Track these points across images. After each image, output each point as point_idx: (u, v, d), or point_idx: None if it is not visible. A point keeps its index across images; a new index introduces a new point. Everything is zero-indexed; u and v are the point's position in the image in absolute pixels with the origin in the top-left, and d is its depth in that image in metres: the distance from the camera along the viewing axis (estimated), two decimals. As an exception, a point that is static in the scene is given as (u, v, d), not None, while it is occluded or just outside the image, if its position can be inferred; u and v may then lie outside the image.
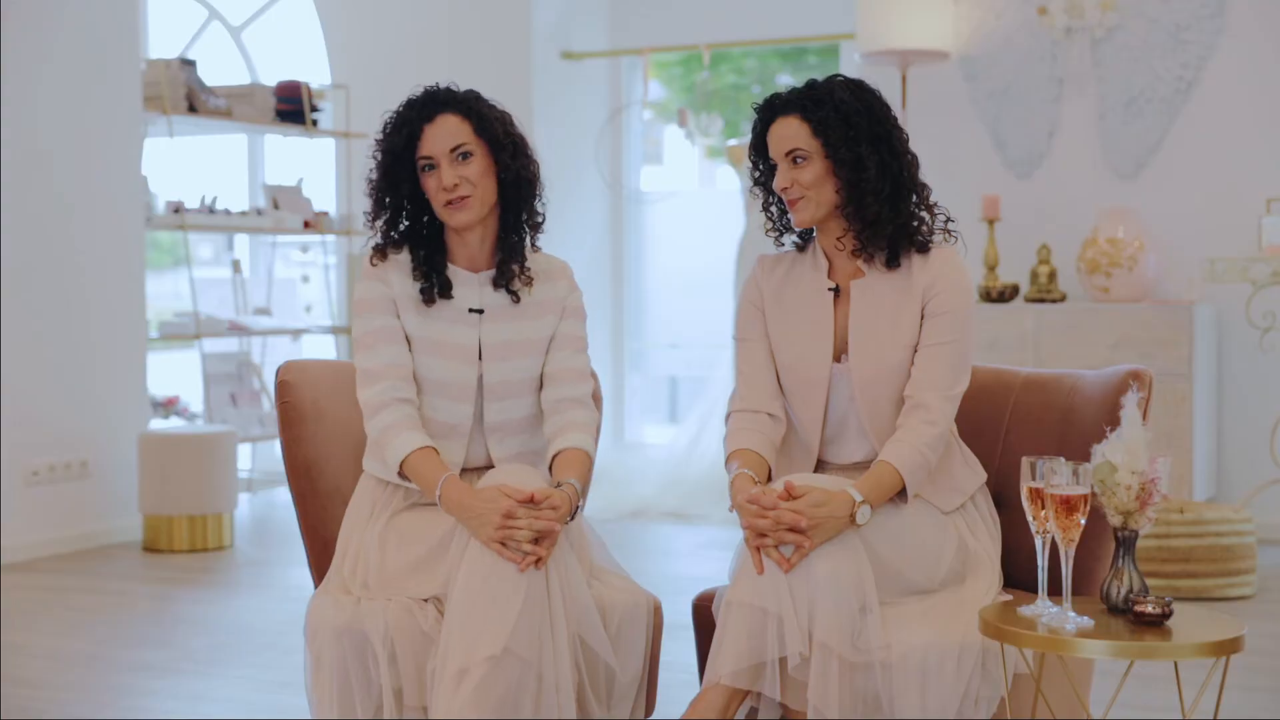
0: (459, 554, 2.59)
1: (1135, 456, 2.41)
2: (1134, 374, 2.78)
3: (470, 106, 2.76)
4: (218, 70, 7.77)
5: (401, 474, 2.71)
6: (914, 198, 2.77)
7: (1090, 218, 6.12)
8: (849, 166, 2.72)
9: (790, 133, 2.75)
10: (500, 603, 2.50)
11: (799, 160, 2.75)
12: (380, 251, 2.80)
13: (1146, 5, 6.13)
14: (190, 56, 7.18)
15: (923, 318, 2.76)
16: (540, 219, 2.84)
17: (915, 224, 2.77)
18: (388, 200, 2.78)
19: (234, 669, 4.22)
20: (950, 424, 2.76)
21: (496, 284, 2.81)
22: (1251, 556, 5.01)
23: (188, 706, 3.85)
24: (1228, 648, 2.33)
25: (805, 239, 2.90)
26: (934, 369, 2.73)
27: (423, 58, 7.55)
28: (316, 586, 2.85)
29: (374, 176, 2.79)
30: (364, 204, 2.84)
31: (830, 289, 2.81)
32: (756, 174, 2.88)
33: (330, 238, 7.68)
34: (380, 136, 2.78)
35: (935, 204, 2.81)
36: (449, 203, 2.73)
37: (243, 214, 7.04)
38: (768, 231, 2.93)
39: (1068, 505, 2.38)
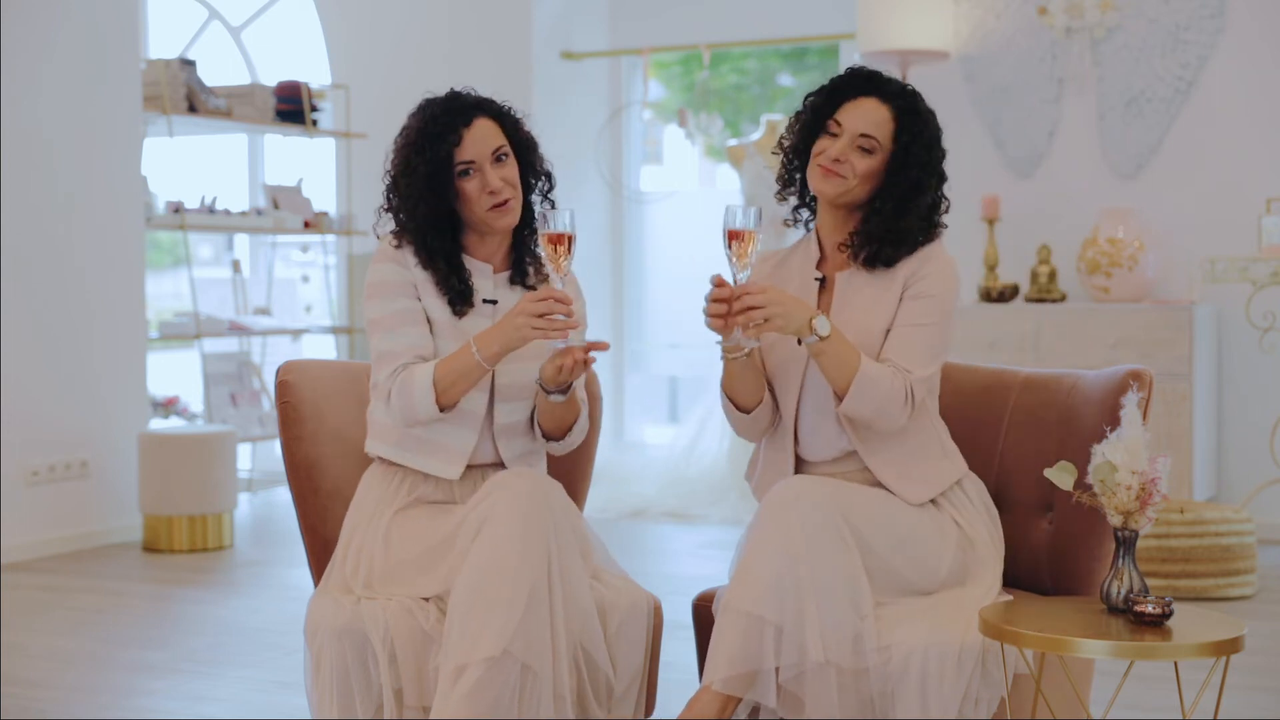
0: (463, 552, 2.60)
1: (1135, 456, 2.42)
2: (1134, 374, 2.78)
3: (498, 109, 2.79)
4: (218, 70, 7.77)
5: (439, 396, 2.67)
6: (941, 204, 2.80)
7: (1090, 218, 6.12)
8: (906, 186, 2.72)
9: (877, 119, 2.74)
10: (503, 604, 2.50)
11: (867, 150, 2.73)
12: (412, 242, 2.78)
13: (1146, 5, 6.13)
14: (190, 56, 7.18)
15: (901, 301, 2.75)
16: (549, 173, 2.87)
17: (919, 237, 2.78)
18: (424, 209, 2.73)
19: (234, 669, 4.22)
20: (921, 404, 2.73)
21: (513, 281, 2.84)
22: (1251, 556, 5.01)
23: (188, 706, 3.85)
24: (1228, 648, 2.33)
25: (797, 216, 2.89)
26: (908, 347, 2.71)
27: (423, 58, 7.56)
28: (316, 586, 2.85)
29: (408, 187, 2.73)
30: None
31: (817, 279, 2.81)
32: (797, 125, 2.83)
33: (330, 238, 7.68)
34: (408, 145, 2.74)
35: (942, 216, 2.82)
36: (495, 206, 2.74)
37: (243, 214, 7.04)
38: (777, 195, 2.90)
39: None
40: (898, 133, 2.74)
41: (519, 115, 2.84)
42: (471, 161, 2.73)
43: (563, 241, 2.59)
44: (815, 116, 2.80)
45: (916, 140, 2.74)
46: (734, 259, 2.59)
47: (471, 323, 2.79)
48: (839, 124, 2.75)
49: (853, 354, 2.65)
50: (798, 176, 2.86)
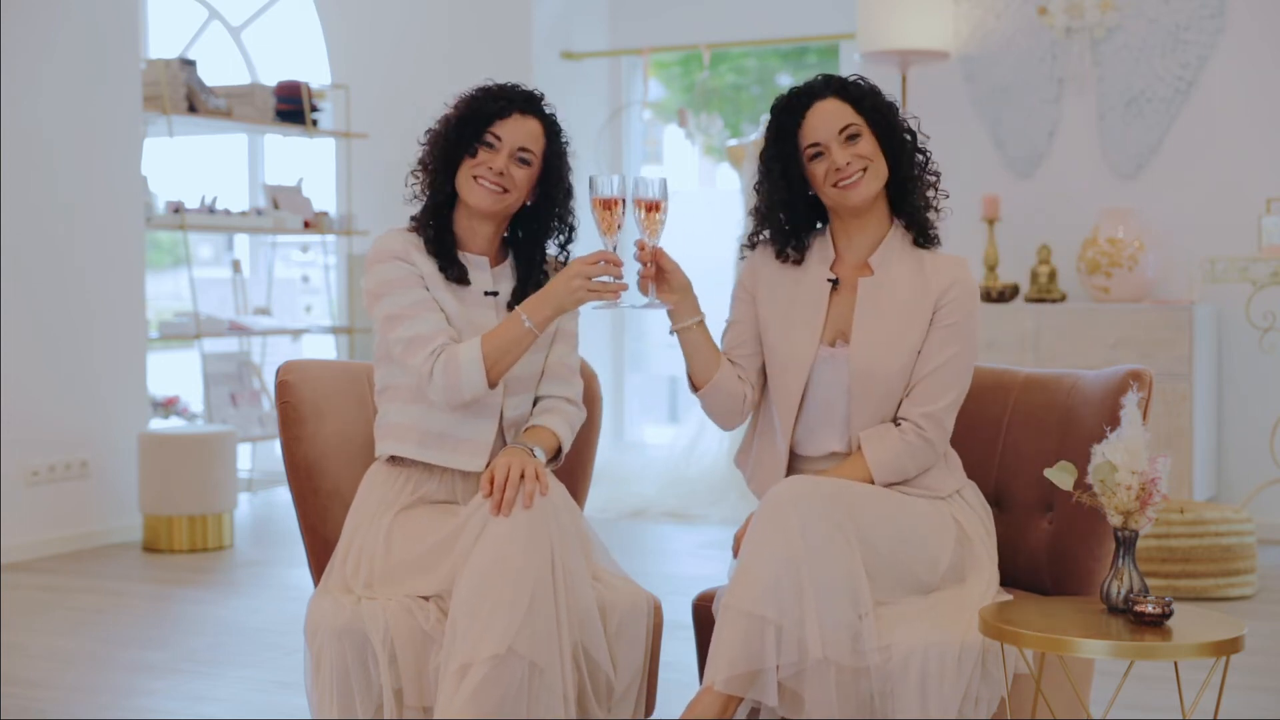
0: (465, 552, 2.60)
1: (1135, 456, 2.42)
2: (1134, 374, 2.79)
3: (552, 121, 2.81)
4: (218, 70, 7.77)
5: (489, 369, 2.68)
6: (933, 179, 2.84)
7: (1090, 218, 6.13)
8: (892, 137, 2.77)
9: (837, 110, 2.76)
10: (506, 604, 2.50)
11: (854, 138, 2.75)
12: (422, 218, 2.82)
13: (1146, 5, 6.13)
14: (190, 56, 7.18)
15: (930, 324, 2.76)
16: (573, 226, 2.89)
17: (934, 207, 2.82)
18: (444, 177, 2.78)
19: (234, 669, 4.22)
20: (946, 441, 2.77)
21: (519, 279, 2.86)
22: (1251, 556, 5.01)
23: (188, 706, 3.85)
24: (1228, 648, 2.33)
25: (798, 249, 2.85)
26: (932, 383, 2.74)
27: (423, 58, 7.56)
28: (316, 586, 2.85)
29: (441, 152, 2.78)
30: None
31: (830, 280, 2.81)
32: (775, 176, 2.81)
33: (330, 238, 7.67)
34: (454, 113, 2.78)
35: (943, 198, 2.86)
36: (480, 180, 2.76)
37: (243, 214, 7.04)
38: (754, 237, 2.91)
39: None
40: (856, 109, 2.77)
41: (568, 146, 2.84)
42: (499, 138, 2.76)
43: (612, 207, 2.64)
44: (771, 168, 2.81)
45: (869, 103, 2.78)
46: (645, 228, 2.67)
47: (479, 315, 2.80)
48: (816, 143, 2.76)
49: (859, 472, 2.73)
50: (782, 200, 2.84)
